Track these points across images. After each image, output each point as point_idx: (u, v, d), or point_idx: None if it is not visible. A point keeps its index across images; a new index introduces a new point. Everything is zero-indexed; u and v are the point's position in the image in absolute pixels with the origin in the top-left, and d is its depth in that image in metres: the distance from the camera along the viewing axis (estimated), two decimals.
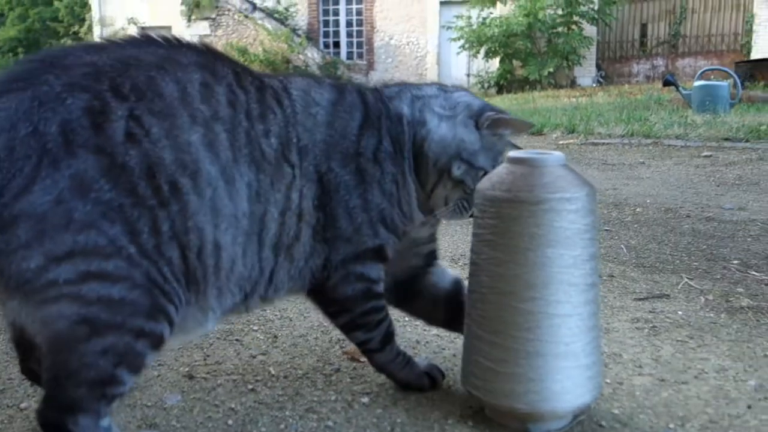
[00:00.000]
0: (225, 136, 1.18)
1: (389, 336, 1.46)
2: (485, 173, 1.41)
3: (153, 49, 1.20)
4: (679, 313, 1.99)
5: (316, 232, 1.33)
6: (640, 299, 2.11)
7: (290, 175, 1.28)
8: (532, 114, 9.69)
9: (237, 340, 1.80)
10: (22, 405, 1.45)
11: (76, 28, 20.27)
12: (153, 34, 1.26)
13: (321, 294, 1.39)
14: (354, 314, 1.41)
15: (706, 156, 5.20)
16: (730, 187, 4.04)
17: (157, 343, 1.14)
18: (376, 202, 1.38)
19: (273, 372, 1.60)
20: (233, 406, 1.44)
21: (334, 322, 1.45)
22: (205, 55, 1.25)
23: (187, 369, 1.62)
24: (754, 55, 14.90)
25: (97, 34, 19.08)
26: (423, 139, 1.44)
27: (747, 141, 5.79)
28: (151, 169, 1.09)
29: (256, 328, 1.88)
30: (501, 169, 1.32)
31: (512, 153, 1.33)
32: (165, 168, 1.10)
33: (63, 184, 1.02)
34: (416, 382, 1.48)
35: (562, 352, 1.25)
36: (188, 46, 1.25)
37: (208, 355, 1.70)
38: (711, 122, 6.81)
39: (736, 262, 2.51)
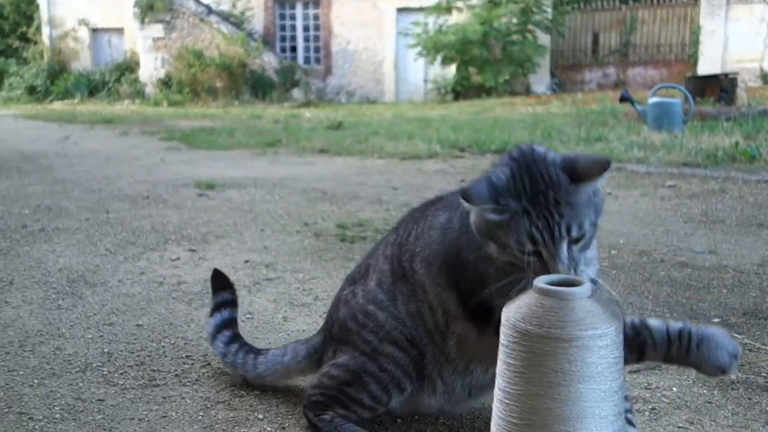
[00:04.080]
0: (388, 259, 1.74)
1: None
2: None
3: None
4: (674, 389, 2.03)
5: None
6: (632, 372, 2.14)
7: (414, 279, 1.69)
8: (492, 127, 9.81)
9: None
10: None
11: (24, 28, 19.63)
12: None
13: None
14: None
15: (669, 186, 5.35)
16: (698, 225, 4.16)
17: (365, 405, 1.69)
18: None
19: None
20: None
21: None
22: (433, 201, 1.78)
23: None
24: (702, 64, 15.36)
25: (46, 35, 18.57)
26: None
27: (705, 167, 5.99)
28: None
29: None
30: (531, 301, 1.34)
31: (539, 284, 1.36)
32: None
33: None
34: None
35: None
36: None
37: None
38: (668, 144, 7.00)
39: (716, 320, 2.56)
